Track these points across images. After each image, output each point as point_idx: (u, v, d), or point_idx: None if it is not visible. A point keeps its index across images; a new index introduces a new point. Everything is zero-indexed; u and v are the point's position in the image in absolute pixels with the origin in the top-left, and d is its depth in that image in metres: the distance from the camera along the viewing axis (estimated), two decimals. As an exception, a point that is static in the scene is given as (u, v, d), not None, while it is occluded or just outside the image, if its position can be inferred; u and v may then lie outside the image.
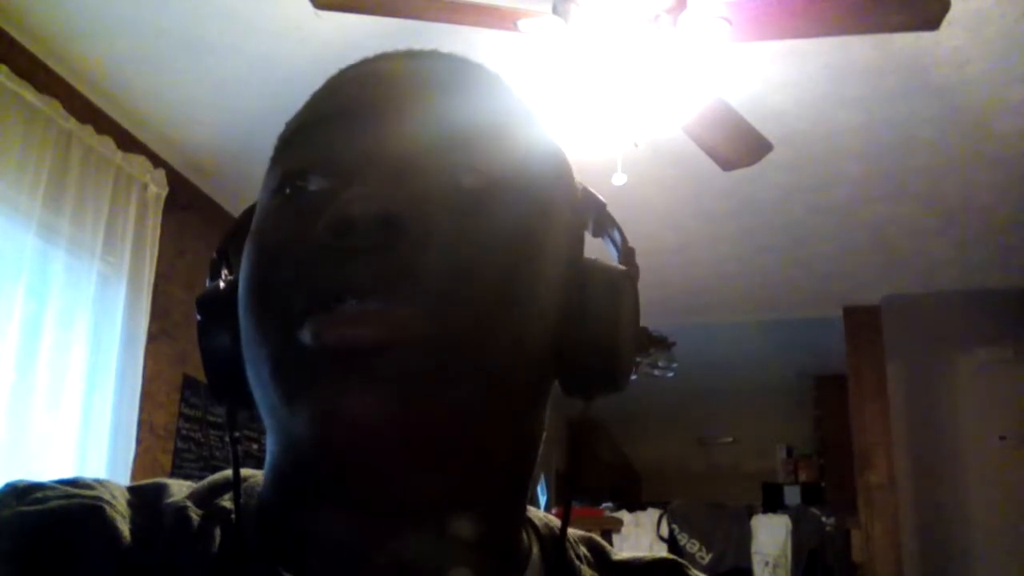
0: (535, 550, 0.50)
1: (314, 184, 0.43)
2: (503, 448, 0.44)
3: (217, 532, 0.43)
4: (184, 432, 3.19)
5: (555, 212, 0.46)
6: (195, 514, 0.44)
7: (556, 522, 0.53)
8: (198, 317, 0.46)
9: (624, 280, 0.47)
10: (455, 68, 0.48)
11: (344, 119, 0.44)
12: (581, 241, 0.50)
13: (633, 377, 0.48)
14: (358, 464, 0.40)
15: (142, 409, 2.84)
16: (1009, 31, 2.35)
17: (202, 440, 3.25)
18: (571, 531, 0.53)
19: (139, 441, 2.83)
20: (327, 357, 0.39)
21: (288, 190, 0.44)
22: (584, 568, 0.51)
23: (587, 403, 0.47)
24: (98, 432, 2.63)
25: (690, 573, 0.55)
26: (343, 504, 0.43)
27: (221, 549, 0.43)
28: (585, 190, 0.52)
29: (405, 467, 0.40)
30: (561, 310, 0.45)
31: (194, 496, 0.46)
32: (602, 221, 0.51)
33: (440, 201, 0.41)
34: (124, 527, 0.42)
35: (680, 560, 0.56)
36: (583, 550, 0.54)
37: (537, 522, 0.52)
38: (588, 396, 0.47)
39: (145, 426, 2.92)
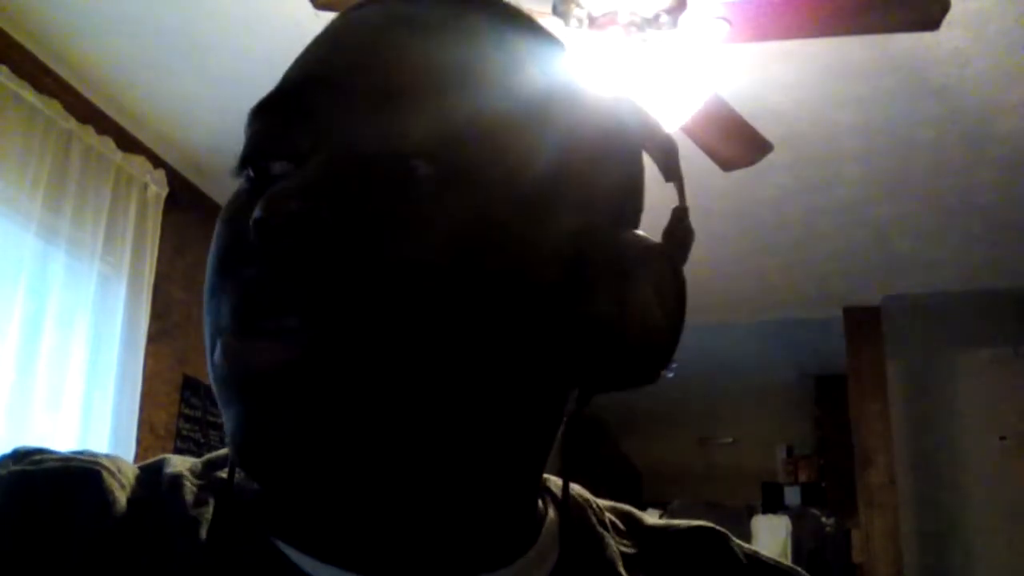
0: (551, 516, 0.47)
1: (276, 168, 0.39)
2: (457, 447, 0.39)
3: (211, 502, 0.42)
4: (184, 432, 3.19)
5: (554, 186, 0.40)
6: (190, 484, 0.43)
7: (579, 488, 0.51)
8: None
9: (638, 259, 0.41)
10: (449, 19, 0.41)
11: (305, 93, 0.40)
12: (599, 214, 0.43)
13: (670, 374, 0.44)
14: (279, 486, 0.39)
15: (142, 409, 2.84)
16: (1009, 31, 2.35)
17: (202, 440, 3.26)
18: (600, 501, 0.51)
19: (139, 441, 2.83)
20: (233, 380, 0.37)
21: (251, 171, 0.41)
22: (607, 534, 0.48)
23: (583, 399, 0.43)
24: (98, 432, 2.63)
25: (732, 544, 0.52)
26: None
27: (215, 516, 0.42)
28: (649, 127, 0.45)
29: (339, 487, 0.38)
30: (551, 301, 0.39)
31: (192, 469, 0.45)
32: (669, 166, 0.45)
33: (382, 194, 0.36)
34: (120, 493, 0.41)
35: (720, 529, 0.52)
36: (610, 517, 0.51)
37: (556, 490, 0.49)
38: (587, 392, 0.43)
39: (145, 426, 2.92)
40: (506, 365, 0.39)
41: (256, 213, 0.35)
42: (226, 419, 0.38)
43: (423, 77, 0.38)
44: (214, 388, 0.39)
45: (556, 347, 0.40)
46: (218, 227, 0.41)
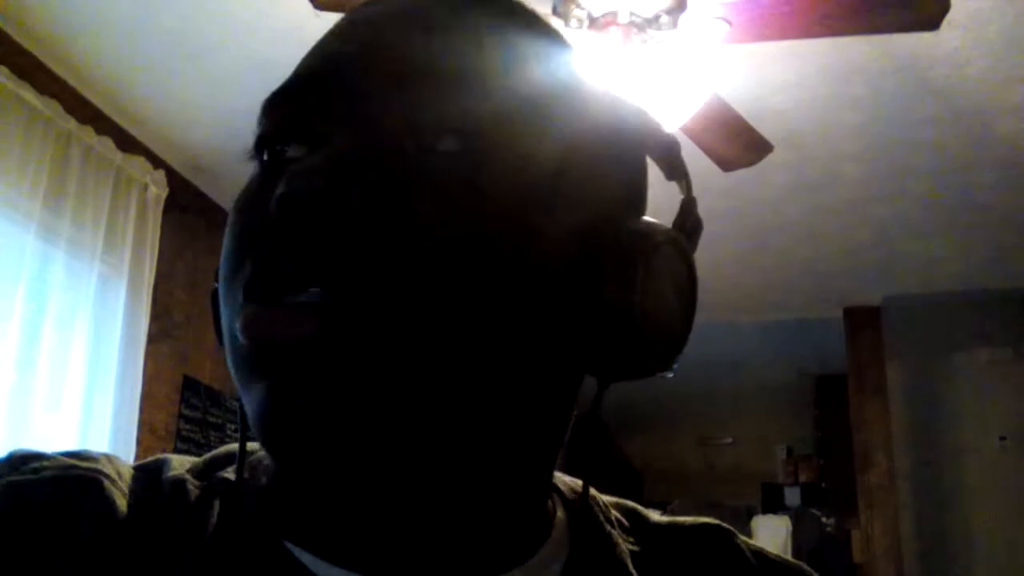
0: (559, 515, 0.47)
1: (292, 151, 0.39)
2: (474, 434, 0.39)
3: (216, 504, 0.41)
4: (184, 433, 3.19)
5: (564, 172, 0.40)
6: (193, 486, 0.42)
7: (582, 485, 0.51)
8: (214, 283, 0.43)
9: (650, 243, 0.40)
10: (459, 11, 0.42)
11: (322, 78, 0.40)
12: (609, 201, 0.43)
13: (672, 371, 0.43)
14: (305, 467, 0.38)
15: (142, 410, 2.84)
16: (1009, 31, 2.35)
17: (202, 441, 3.25)
18: (604, 497, 0.51)
19: (139, 442, 2.83)
20: (256, 355, 0.36)
21: (266, 155, 0.40)
22: (616, 532, 0.48)
23: (601, 388, 0.43)
24: (98, 433, 2.63)
25: (737, 541, 0.51)
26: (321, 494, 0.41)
27: (219, 521, 0.40)
28: (650, 128, 0.45)
29: (359, 471, 0.37)
30: (567, 286, 0.40)
31: (193, 470, 0.44)
32: (671, 165, 0.45)
33: (404, 171, 0.37)
34: (121, 501, 0.40)
35: (726, 526, 0.52)
36: (616, 515, 0.50)
37: (564, 488, 0.49)
38: (604, 381, 0.43)
39: (145, 427, 2.92)
40: (523, 346, 0.39)
41: (280, 189, 0.35)
42: (248, 398, 0.37)
43: (439, 62, 0.39)
44: (233, 369, 0.38)
45: (571, 332, 0.40)
46: (232, 215, 0.40)
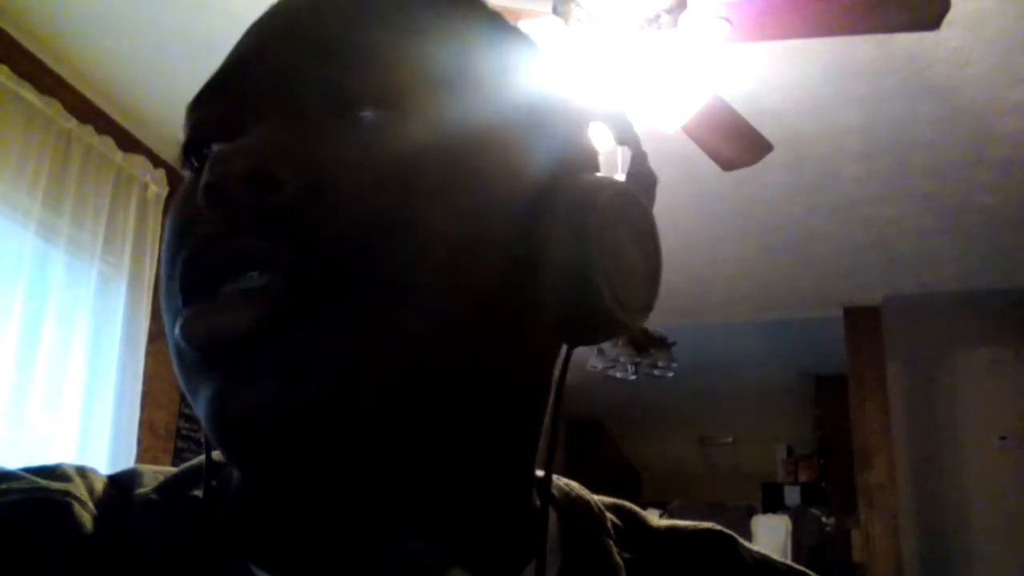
0: (551, 520, 0.44)
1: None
2: (444, 420, 0.37)
3: (181, 525, 0.40)
4: (184, 432, 3.19)
5: (493, 134, 0.38)
6: (158, 506, 0.41)
7: (578, 487, 0.49)
8: None
9: (606, 198, 0.39)
10: None
11: (240, 71, 0.39)
12: (555, 159, 0.41)
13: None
14: (264, 466, 0.35)
15: (142, 409, 2.84)
16: (1009, 31, 2.35)
17: (202, 440, 3.25)
18: (600, 499, 0.49)
19: (139, 441, 2.83)
20: (199, 355, 0.35)
21: (194, 161, 0.39)
22: (610, 542, 0.45)
23: (568, 351, 0.41)
24: (98, 432, 2.63)
25: (740, 548, 0.49)
26: (281, 500, 0.39)
27: (185, 543, 0.39)
28: (596, 102, 0.44)
29: (320, 465, 0.35)
30: (514, 246, 0.38)
31: (163, 486, 0.42)
32: (618, 129, 0.44)
33: (334, 145, 0.35)
34: (89, 525, 0.39)
35: (727, 532, 0.50)
36: (611, 519, 0.47)
37: (554, 489, 0.46)
38: (570, 342, 0.41)
39: (145, 426, 2.92)
40: (476, 314, 0.36)
41: (204, 177, 0.33)
42: (197, 402, 0.35)
43: (356, 36, 0.38)
44: (179, 375, 0.37)
45: (532, 296, 0.38)
46: (167, 220, 0.39)
